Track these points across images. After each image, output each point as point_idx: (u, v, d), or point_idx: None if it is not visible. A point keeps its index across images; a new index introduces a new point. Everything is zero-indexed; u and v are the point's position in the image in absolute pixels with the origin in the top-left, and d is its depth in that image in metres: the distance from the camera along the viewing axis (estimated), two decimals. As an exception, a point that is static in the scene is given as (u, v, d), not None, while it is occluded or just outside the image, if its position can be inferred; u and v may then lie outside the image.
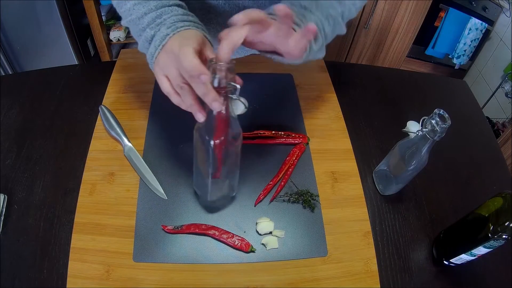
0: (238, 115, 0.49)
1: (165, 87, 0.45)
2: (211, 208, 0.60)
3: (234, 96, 0.43)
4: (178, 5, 0.51)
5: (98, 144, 0.66)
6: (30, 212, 0.58)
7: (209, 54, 0.46)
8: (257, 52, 0.58)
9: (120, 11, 0.54)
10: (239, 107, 0.54)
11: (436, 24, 1.93)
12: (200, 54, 0.44)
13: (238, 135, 0.49)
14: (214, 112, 0.44)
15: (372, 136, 0.76)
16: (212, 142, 0.46)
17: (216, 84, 0.41)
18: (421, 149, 0.55)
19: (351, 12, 0.60)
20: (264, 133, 0.69)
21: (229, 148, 0.50)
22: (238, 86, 0.43)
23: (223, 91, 0.42)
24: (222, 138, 0.47)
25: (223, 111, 0.44)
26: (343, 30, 0.59)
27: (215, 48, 0.45)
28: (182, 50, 0.41)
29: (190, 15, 0.51)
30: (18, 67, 1.69)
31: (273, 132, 0.69)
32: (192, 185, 0.61)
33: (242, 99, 0.45)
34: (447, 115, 0.52)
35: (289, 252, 0.56)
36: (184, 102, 0.44)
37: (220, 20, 0.71)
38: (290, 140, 0.69)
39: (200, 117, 0.44)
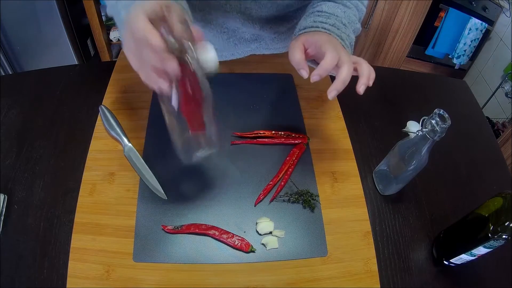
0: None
1: (133, 63, 0.42)
2: (197, 169, 0.57)
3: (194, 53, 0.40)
4: None
5: (98, 144, 0.66)
6: (30, 212, 0.58)
7: (172, 18, 0.41)
8: (257, 53, 0.58)
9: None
10: (208, 60, 0.45)
11: (436, 24, 1.93)
12: (163, 20, 0.41)
13: (207, 96, 0.46)
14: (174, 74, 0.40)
15: (372, 136, 0.76)
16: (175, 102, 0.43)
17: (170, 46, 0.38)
18: (421, 149, 0.55)
19: (363, 13, 0.66)
20: (264, 133, 0.69)
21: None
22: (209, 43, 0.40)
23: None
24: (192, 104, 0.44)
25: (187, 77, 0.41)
26: (359, 32, 0.64)
27: (223, 53, 0.44)
28: (132, 18, 0.39)
29: None
30: (18, 67, 1.69)
31: (273, 132, 0.69)
32: (191, 184, 0.61)
33: (210, 50, 0.42)
34: (447, 115, 0.52)
35: (289, 252, 0.56)
36: (145, 73, 0.41)
37: (220, 21, 0.71)
38: (290, 140, 0.69)
39: (163, 83, 0.41)
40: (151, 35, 0.38)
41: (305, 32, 0.57)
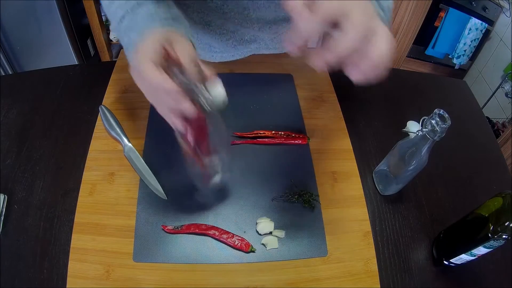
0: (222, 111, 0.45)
1: (146, 95, 0.44)
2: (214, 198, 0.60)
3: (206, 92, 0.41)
4: None
5: (98, 144, 0.66)
6: (30, 212, 0.58)
7: (179, 50, 0.42)
8: (256, 53, 0.57)
9: (110, 18, 0.51)
10: (217, 95, 0.46)
11: (436, 24, 1.93)
12: (167, 55, 0.42)
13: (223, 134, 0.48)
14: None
15: (372, 136, 0.76)
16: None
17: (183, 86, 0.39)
18: (421, 149, 0.55)
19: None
20: (264, 133, 0.69)
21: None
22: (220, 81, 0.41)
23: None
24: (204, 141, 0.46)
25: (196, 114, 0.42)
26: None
27: (223, 54, 0.44)
28: (140, 65, 0.40)
29: (162, 11, 0.47)
30: (18, 67, 1.69)
31: (273, 132, 0.69)
32: (191, 185, 0.61)
33: (220, 87, 0.43)
34: (447, 115, 0.52)
35: (289, 252, 0.56)
36: (160, 112, 0.43)
37: (219, 22, 0.71)
38: (290, 140, 0.69)
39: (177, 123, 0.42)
40: (163, 82, 0.38)
41: None
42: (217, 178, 0.55)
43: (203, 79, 0.42)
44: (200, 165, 0.51)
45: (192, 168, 0.52)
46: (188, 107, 0.40)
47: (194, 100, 0.41)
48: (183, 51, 0.42)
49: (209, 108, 0.42)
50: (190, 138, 0.46)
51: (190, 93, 0.40)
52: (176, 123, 0.42)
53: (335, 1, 0.31)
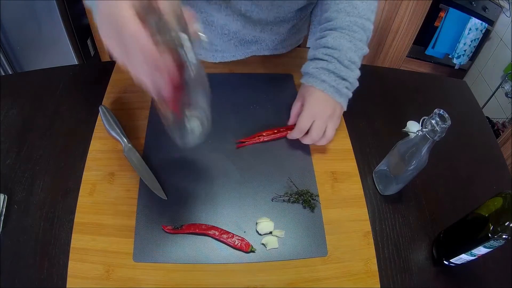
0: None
1: (115, 54, 0.39)
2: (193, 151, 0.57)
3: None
4: None
5: (98, 144, 0.66)
6: (30, 212, 0.58)
7: (166, 8, 0.36)
8: (257, 54, 0.57)
9: None
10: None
11: (436, 24, 1.93)
12: (151, 10, 0.36)
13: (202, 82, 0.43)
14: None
15: (372, 136, 0.76)
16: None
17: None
18: (421, 149, 0.55)
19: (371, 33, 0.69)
20: (265, 134, 0.68)
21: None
22: (203, 36, 0.37)
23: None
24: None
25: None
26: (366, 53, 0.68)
27: (224, 54, 0.41)
28: (120, 13, 0.34)
29: None
30: (18, 67, 1.69)
31: (275, 130, 0.69)
32: (191, 184, 0.61)
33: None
34: (447, 115, 0.52)
35: (289, 252, 0.56)
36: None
37: (221, 23, 0.71)
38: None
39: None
40: (141, 38, 0.34)
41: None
42: (197, 133, 0.49)
43: (186, 28, 0.37)
44: (177, 118, 0.45)
45: (171, 124, 0.47)
46: (169, 67, 0.36)
47: (175, 61, 0.36)
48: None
49: (193, 72, 0.37)
50: (165, 94, 0.39)
51: (171, 52, 0.36)
52: (149, 86, 0.38)
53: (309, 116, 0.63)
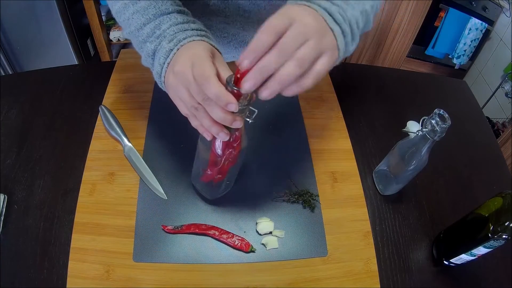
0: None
1: (182, 109, 0.43)
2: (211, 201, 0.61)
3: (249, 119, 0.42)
4: (179, 11, 0.48)
5: (98, 144, 0.66)
6: (30, 212, 0.58)
7: (220, 67, 0.41)
8: None
9: (119, 20, 0.51)
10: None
11: (436, 24, 1.93)
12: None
13: (245, 148, 0.50)
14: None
15: (372, 136, 0.76)
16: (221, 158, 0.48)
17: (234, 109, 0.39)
18: (421, 149, 0.55)
19: (378, 7, 0.54)
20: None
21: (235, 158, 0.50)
22: (256, 111, 0.41)
23: (240, 114, 0.40)
24: (231, 152, 0.47)
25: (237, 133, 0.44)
26: (370, 26, 0.52)
27: (224, 56, 0.44)
28: (203, 76, 0.38)
29: (192, 22, 0.48)
30: (18, 67, 1.69)
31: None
32: (191, 184, 0.61)
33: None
34: (447, 115, 0.52)
35: (289, 252, 0.56)
36: (203, 124, 0.42)
37: (221, 26, 0.71)
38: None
39: (224, 136, 0.42)
40: (230, 99, 0.37)
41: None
42: (224, 189, 0.58)
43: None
44: (214, 175, 0.52)
45: (203, 177, 0.54)
46: (240, 124, 0.40)
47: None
48: (223, 67, 0.41)
49: (252, 119, 0.42)
50: (218, 149, 0.47)
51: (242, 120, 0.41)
52: (221, 136, 0.41)
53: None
